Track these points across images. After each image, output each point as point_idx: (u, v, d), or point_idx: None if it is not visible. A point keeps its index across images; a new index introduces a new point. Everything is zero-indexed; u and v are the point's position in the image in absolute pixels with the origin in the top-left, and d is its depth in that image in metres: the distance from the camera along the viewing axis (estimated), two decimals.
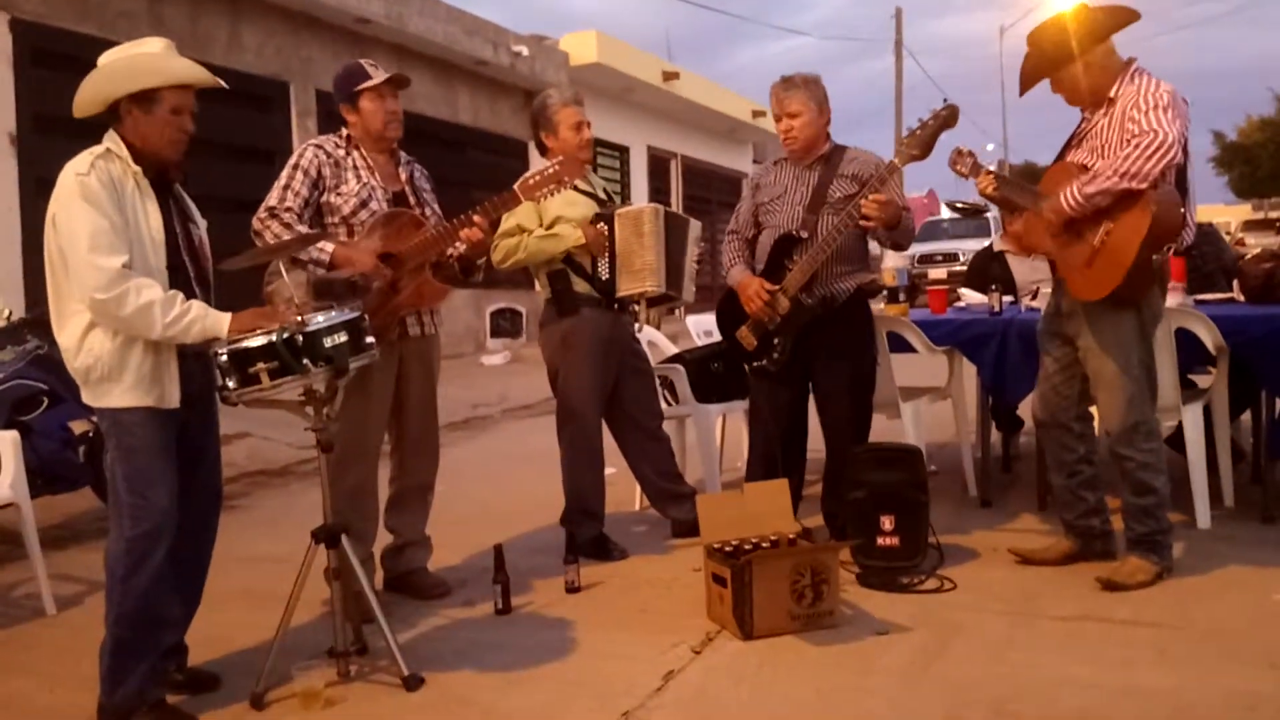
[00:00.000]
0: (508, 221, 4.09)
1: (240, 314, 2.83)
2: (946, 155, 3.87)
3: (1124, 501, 3.69)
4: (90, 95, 2.83)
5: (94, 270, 2.67)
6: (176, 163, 2.92)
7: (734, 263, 4.25)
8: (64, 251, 2.72)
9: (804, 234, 4.02)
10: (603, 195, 4.38)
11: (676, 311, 4.96)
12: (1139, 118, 3.35)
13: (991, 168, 3.81)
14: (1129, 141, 3.34)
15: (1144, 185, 3.28)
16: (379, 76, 3.68)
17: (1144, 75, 3.50)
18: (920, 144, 3.83)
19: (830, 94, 4.14)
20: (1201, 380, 4.75)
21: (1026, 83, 3.68)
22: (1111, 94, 3.52)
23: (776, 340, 4.06)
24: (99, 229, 2.68)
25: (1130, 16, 3.54)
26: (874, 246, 4.51)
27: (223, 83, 2.94)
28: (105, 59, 2.85)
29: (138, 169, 2.81)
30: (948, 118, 3.82)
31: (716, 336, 4.53)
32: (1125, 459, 3.63)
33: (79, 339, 2.77)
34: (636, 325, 4.56)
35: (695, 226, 4.43)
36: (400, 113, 3.75)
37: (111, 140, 2.83)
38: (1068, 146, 3.72)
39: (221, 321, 2.79)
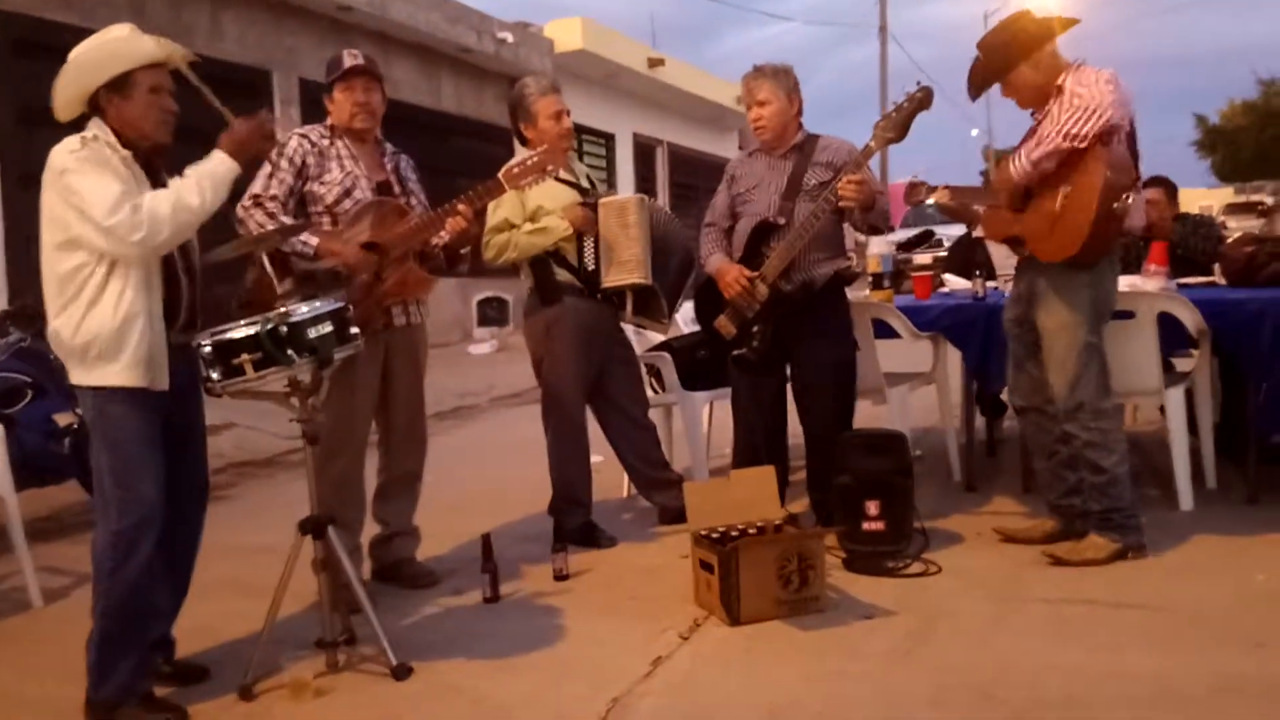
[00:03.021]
0: (495, 216, 4.07)
1: (227, 140, 2.89)
2: (926, 138, 3.95)
3: (1083, 479, 3.75)
4: (69, 95, 2.81)
5: (114, 230, 2.65)
6: (165, 146, 2.91)
7: (712, 252, 4.25)
8: (84, 218, 2.69)
9: (781, 221, 4.03)
10: (585, 184, 4.37)
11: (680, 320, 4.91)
12: (1082, 91, 3.50)
13: (941, 185, 3.90)
14: (1069, 108, 3.49)
15: (1082, 144, 3.44)
16: (347, 66, 3.68)
17: (1088, 67, 3.61)
18: (896, 126, 3.86)
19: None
20: (1184, 364, 4.77)
21: (977, 87, 3.79)
22: (1059, 82, 3.62)
23: (756, 328, 4.07)
24: (104, 189, 2.67)
25: (1071, 22, 3.71)
26: (859, 235, 4.52)
27: (193, 54, 2.95)
28: (73, 54, 2.83)
29: (126, 153, 2.80)
30: (923, 99, 3.86)
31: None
32: (1073, 437, 3.72)
33: (79, 319, 2.75)
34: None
35: (687, 238, 4.45)
36: (371, 105, 3.71)
37: (98, 126, 2.81)
38: (1022, 143, 3.79)
39: (223, 161, 2.85)
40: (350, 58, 3.70)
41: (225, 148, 2.87)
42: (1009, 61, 3.67)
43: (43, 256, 2.80)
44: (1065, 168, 3.52)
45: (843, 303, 4.23)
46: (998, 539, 3.98)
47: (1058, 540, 3.86)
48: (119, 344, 2.75)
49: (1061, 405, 3.70)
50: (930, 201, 3.93)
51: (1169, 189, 5.53)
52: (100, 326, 2.74)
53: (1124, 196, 3.50)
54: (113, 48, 2.83)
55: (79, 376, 2.81)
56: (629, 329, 4.69)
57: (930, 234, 9.91)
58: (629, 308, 4.30)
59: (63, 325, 2.77)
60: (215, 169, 2.84)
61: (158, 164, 2.93)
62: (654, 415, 5.34)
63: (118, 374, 2.76)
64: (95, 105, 2.81)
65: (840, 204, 3.87)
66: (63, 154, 2.72)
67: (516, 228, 4.11)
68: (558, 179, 4.12)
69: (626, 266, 4.12)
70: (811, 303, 4.06)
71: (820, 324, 4.09)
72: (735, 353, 4.15)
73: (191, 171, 2.82)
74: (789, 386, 4.28)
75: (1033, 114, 3.81)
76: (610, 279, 4.15)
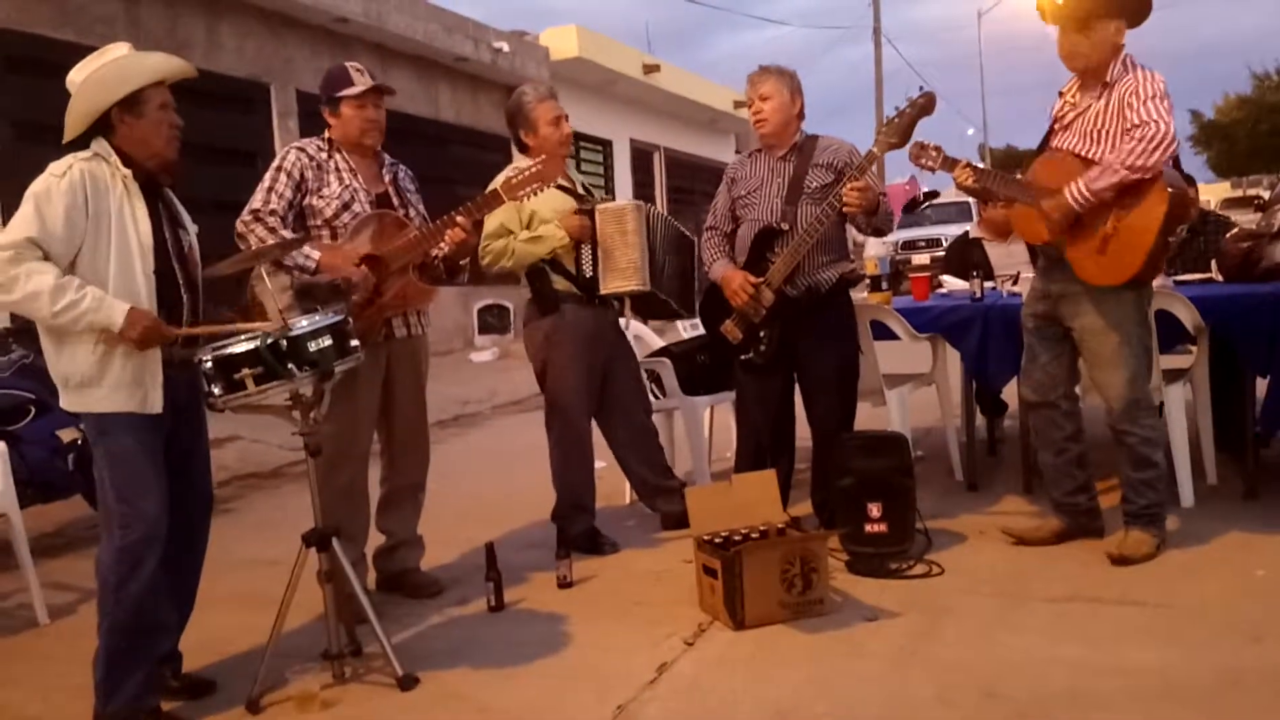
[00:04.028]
0: (491, 223, 4.08)
1: (137, 311, 2.75)
2: (919, 136, 3.89)
3: (1125, 477, 3.76)
4: (82, 113, 2.81)
5: None
6: (171, 162, 2.92)
7: (715, 258, 4.25)
8: None
9: (784, 226, 4.04)
10: (582, 190, 4.38)
11: (681, 325, 4.90)
12: (1138, 105, 3.43)
13: (964, 159, 3.81)
14: (1130, 133, 3.40)
15: (1149, 176, 3.38)
16: (360, 85, 3.67)
17: (1137, 65, 3.56)
18: (898, 132, 3.86)
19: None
20: (1178, 360, 4.77)
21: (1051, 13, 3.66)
22: (1108, 78, 3.57)
23: (762, 333, 4.08)
24: (21, 226, 2.68)
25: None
26: (858, 235, 4.52)
27: (194, 70, 2.99)
28: (80, 74, 2.84)
29: (127, 172, 2.81)
30: (925, 105, 3.86)
31: (702, 330, 4.55)
32: (1127, 434, 3.70)
33: (59, 345, 2.78)
34: (623, 321, 4.58)
35: (682, 233, 4.44)
36: (381, 121, 3.74)
37: (99, 145, 2.82)
38: (1051, 133, 3.76)
39: (115, 313, 2.71)
40: (358, 74, 3.69)
41: (129, 318, 2.72)
42: (1110, 8, 3.55)
43: None
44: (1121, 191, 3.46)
45: (847, 305, 4.25)
46: (1008, 542, 3.97)
47: (1065, 539, 3.89)
48: (100, 373, 2.77)
49: (1119, 403, 3.67)
50: (945, 172, 3.82)
51: (1194, 185, 5.50)
52: (80, 356, 2.76)
53: (1180, 229, 3.48)
54: (124, 65, 2.85)
55: (66, 402, 2.83)
56: (630, 336, 4.70)
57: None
58: (628, 307, 4.32)
59: (48, 348, 2.81)
60: (88, 320, 2.70)
61: (162, 181, 2.94)
62: (654, 420, 5.35)
63: (102, 400, 2.78)
64: (104, 124, 2.82)
65: (845, 210, 3.88)
66: (47, 175, 2.74)
67: (513, 234, 4.13)
68: (556, 185, 4.14)
69: (625, 273, 4.14)
70: (817, 305, 4.07)
71: (825, 327, 4.10)
72: (743, 357, 4.16)
73: (87, 303, 2.70)
74: (795, 387, 4.29)
75: (1061, 92, 3.75)
76: (609, 285, 4.17)
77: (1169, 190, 3.40)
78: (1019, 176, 3.78)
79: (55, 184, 2.72)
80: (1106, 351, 3.67)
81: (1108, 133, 3.52)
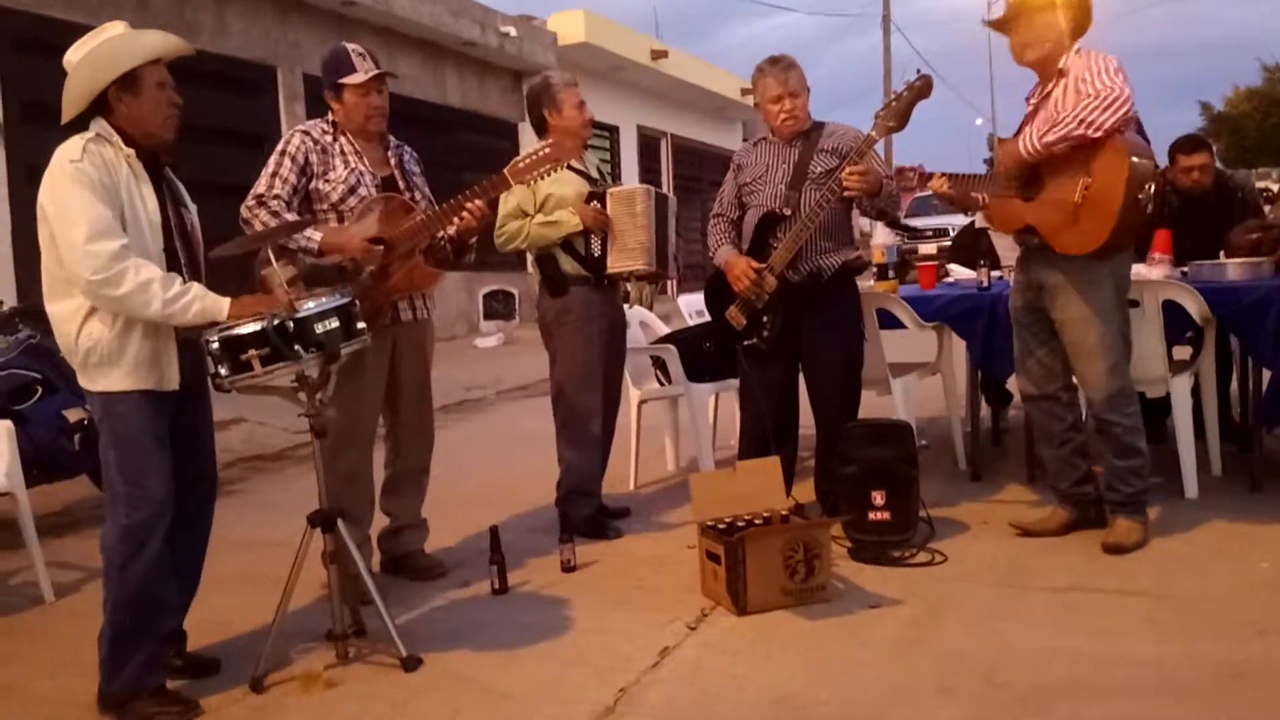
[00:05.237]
0: (508, 203, 4.10)
1: (240, 299, 2.83)
2: (932, 127, 3.95)
3: (1109, 466, 3.77)
4: (79, 93, 2.79)
5: (91, 256, 2.64)
6: (171, 142, 2.91)
7: (720, 244, 4.26)
8: (56, 238, 2.70)
9: (787, 211, 4.04)
10: (595, 174, 4.39)
11: (668, 289, 4.96)
12: (1091, 79, 3.48)
13: (938, 172, 3.88)
14: (1085, 96, 3.45)
15: (1099, 134, 3.41)
16: (363, 71, 3.65)
17: (1092, 51, 3.61)
18: (896, 115, 3.87)
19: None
20: (1177, 351, 4.76)
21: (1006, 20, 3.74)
22: (1061, 65, 3.63)
23: (765, 318, 4.08)
24: (98, 216, 2.66)
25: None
26: (865, 222, 4.51)
27: (193, 49, 2.98)
28: (77, 54, 2.83)
29: (130, 151, 2.80)
30: (922, 88, 3.87)
31: (707, 316, 4.55)
32: (1112, 424, 3.71)
33: (79, 323, 2.76)
34: (627, 306, 4.58)
35: (672, 202, 4.45)
36: (385, 107, 3.72)
37: (100, 126, 2.81)
38: (1020, 129, 3.79)
39: (221, 304, 2.78)
40: (360, 59, 3.67)
41: (233, 308, 2.78)
42: (1037, 5, 3.60)
43: (42, 252, 2.80)
44: (1080, 156, 3.49)
45: (852, 293, 4.24)
46: (1015, 533, 3.96)
47: (1072, 530, 3.89)
48: (120, 349, 2.76)
49: (1101, 393, 3.69)
50: (927, 190, 3.95)
51: (1210, 151, 5.40)
52: (101, 332, 2.75)
53: (1147, 186, 3.50)
54: (120, 44, 2.83)
55: (84, 382, 2.82)
56: (635, 324, 4.71)
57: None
58: (635, 289, 4.33)
59: (65, 327, 2.79)
60: (198, 306, 2.75)
61: (164, 160, 2.94)
62: (659, 407, 5.37)
63: (122, 379, 2.78)
64: (101, 103, 2.81)
65: (846, 193, 3.89)
66: (63, 160, 2.71)
67: (530, 216, 4.14)
68: (569, 167, 4.14)
69: (632, 254, 4.16)
70: (820, 292, 4.06)
71: (829, 314, 4.10)
72: (746, 342, 4.17)
73: (195, 290, 2.76)
74: (800, 375, 4.29)
75: (1027, 99, 3.82)
76: (616, 265, 4.19)
77: (1129, 148, 3.43)
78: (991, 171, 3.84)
79: (83, 168, 2.69)
80: (1087, 342, 3.69)
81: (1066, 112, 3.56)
